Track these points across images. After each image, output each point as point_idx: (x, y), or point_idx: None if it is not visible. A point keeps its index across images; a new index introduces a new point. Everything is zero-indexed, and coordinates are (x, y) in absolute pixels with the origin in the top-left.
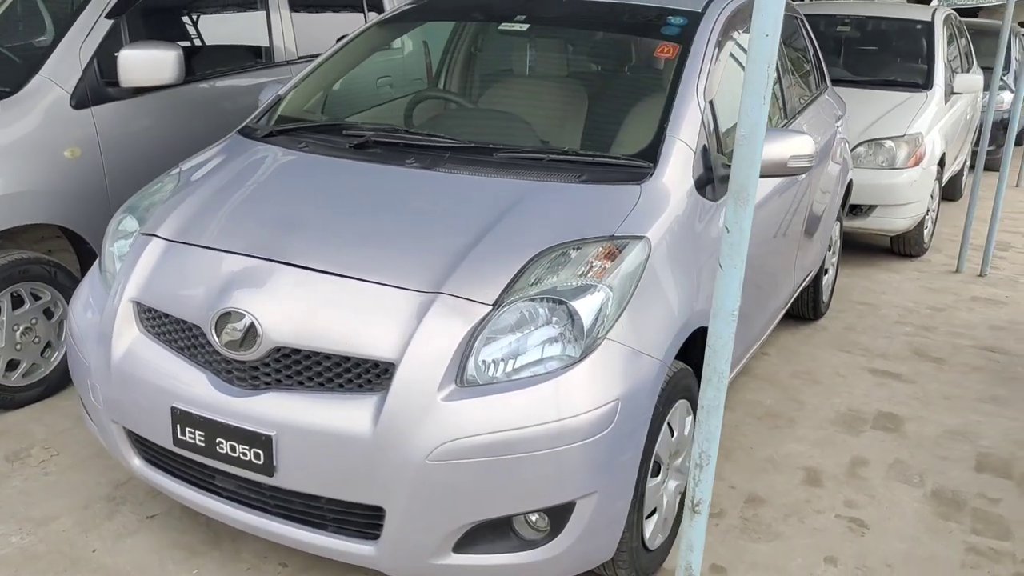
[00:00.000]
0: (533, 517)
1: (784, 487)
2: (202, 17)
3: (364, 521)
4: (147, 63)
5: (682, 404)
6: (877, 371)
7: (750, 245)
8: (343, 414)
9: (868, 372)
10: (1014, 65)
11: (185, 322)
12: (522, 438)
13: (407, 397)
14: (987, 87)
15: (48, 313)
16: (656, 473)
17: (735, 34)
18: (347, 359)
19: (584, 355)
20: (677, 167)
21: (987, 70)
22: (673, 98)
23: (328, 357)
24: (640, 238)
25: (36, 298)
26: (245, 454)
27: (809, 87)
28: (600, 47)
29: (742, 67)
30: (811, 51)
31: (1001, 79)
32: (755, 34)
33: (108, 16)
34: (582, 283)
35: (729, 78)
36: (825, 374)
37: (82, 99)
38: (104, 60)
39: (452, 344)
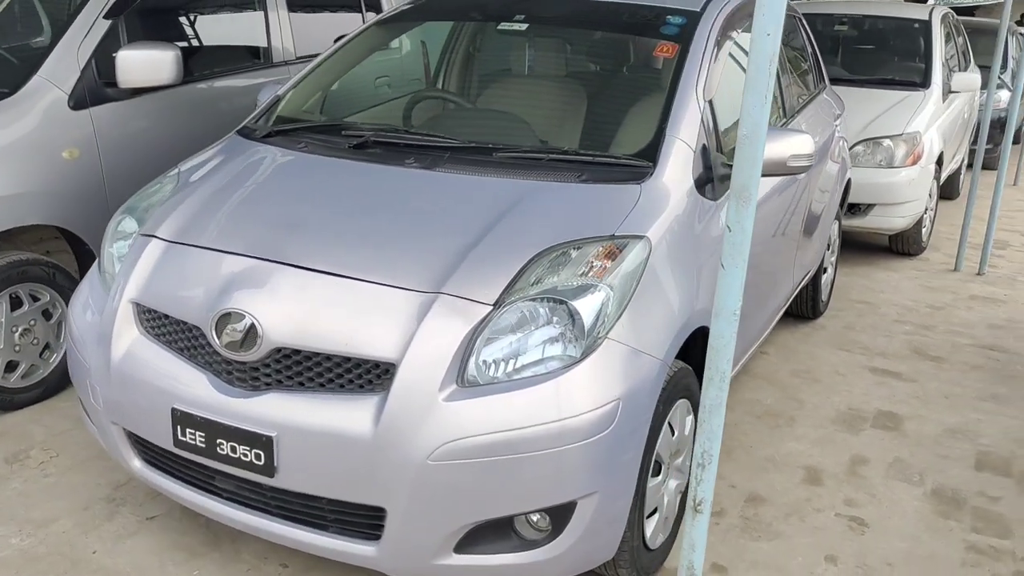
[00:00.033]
0: (534, 517)
1: (784, 486)
2: (200, 17)
3: (365, 522)
4: (145, 64)
5: (682, 403)
6: (877, 370)
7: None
8: (344, 415)
9: (868, 371)
10: (1011, 64)
11: (185, 323)
12: (523, 438)
13: (408, 397)
14: (984, 86)
15: (47, 314)
16: (657, 472)
17: (734, 33)
18: (348, 360)
19: (585, 355)
20: (677, 166)
21: (984, 69)
22: (672, 97)
23: (329, 358)
24: (640, 238)
25: (35, 299)
26: (246, 455)
27: (807, 86)
28: (599, 47)
29: (741, 66)
30: (809, 50)
31: (998, 77)
32: (756, 33)
33: (106, 16)
34: (583, 283)
35: (728, 77)
36: (824, 373)
37: (80, 100)
38: (102, 61)
39: (453, 344)
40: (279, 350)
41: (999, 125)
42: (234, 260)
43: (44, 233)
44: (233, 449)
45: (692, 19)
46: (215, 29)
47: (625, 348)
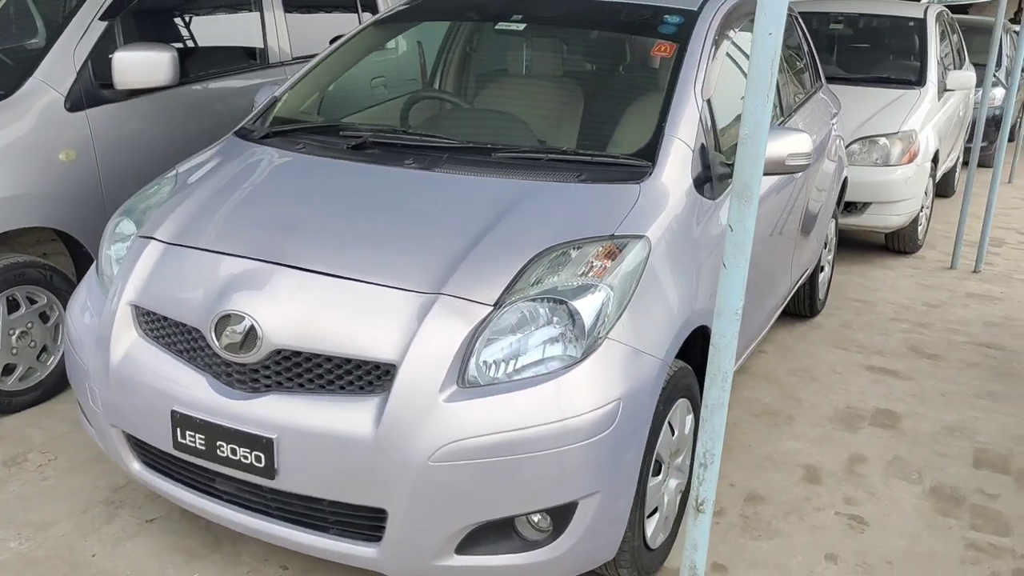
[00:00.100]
0: (535, 517)
1: (783, 485)
2: (196, 18)
3: (366, 523)
4: (142, 65)
5: (682, 403)
6: (874, 368)
7: None
8: (344, 416)
9: (865, 369)
10: (1005, 61)
11: (184, 325)
12: (524, 438)
13: (408, 398)
14: (980, 83)
15: (44, 317)
16: (657, 472)
17: (731, 32)
18: (348, 361)
19: (585, 355)
20: (676, 166)
21: (979, 67)
22: (671, 97)
23: (329, 359)
24: (640, 237)
25: (32, 302)
26: (246, 457)
27: (804, 85)
28: (597, 46)
29: (738, 65)
30: (806, 49)
31: (993, 75)
32: (758, 33)
33: (102, 18)
34: (583, 283)
35: (726, 76)
36: (822, 371)
37: (77, 101)
38: (98, 62)
39: (453, 345)
40: (279, 352)
41: (994, 123)
42: (233, 262)
43: (41, 235)
44: (233, 451)
45: (690, 18)
46: (211, 30)
47: (625, 348)
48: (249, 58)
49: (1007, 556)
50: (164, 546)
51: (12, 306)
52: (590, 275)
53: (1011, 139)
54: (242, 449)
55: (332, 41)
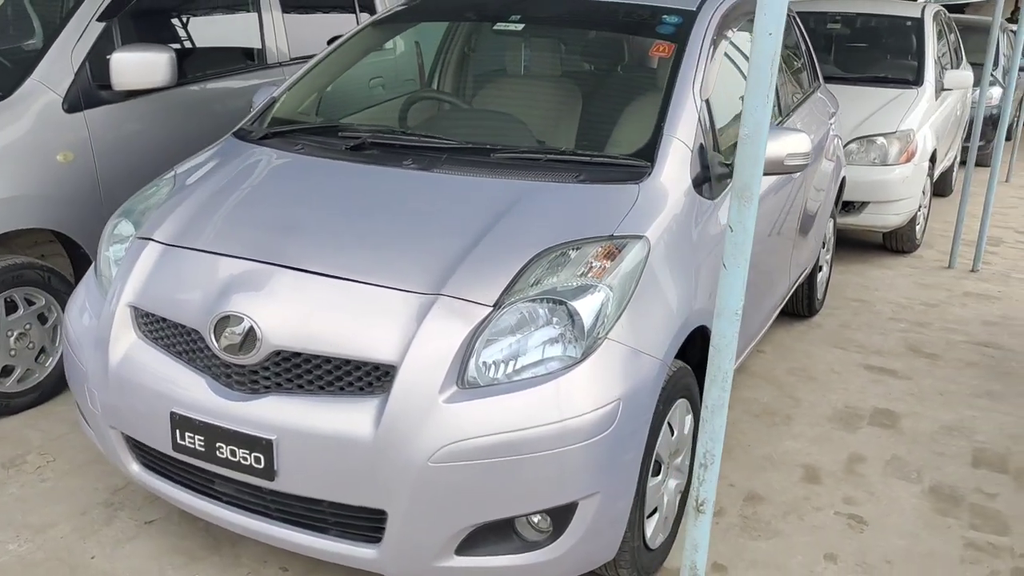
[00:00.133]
0: (535, 518)
1: (783, 484)
2: (194, 19)
3: (366, 524)
4: (139, 66)
5: (682, 403)
6: (872, 367)
7: None
8: (344, 417)
9: (863, 368)
10: (1002, 61)
11: (183, 326)
12: (524, 439)
13: (408, 399)
14: (977, 83)
15: (42, 318)
16: (657, 472)
17: (730, 32)
18: (347, 362)
19: (585, 355)
20: (675, 166)
21: (976, 66)
22: (670, 97)
23: (328, 360)
24: (639, 237)
25: (30, 303)
26: (246, 458)
27: (802, 85)
28: (596, 47)
29: (736, 65)
30: (804, 48)
31: (991, 74)
32: (758, 33)
33: (100, 19)
34: (582, 283)
35: (724, 76)
36: (821, 371)
37: (74, 103)
38: (96, 63)
39: (453, 346)
40: (278, 353)
41: (991, 122)
42: (232, 263)
43: (39, 237)
44: (233, 453)
45: (688, 18)
46: (209, 31)
47: (625, 348)
48: (247, 59)
49: (1006, 555)
50: (163, 548)
51: (10, 307)
52: (589, 275)
53: (1008, 138)
54: (241, 450)
55: (330, 42)
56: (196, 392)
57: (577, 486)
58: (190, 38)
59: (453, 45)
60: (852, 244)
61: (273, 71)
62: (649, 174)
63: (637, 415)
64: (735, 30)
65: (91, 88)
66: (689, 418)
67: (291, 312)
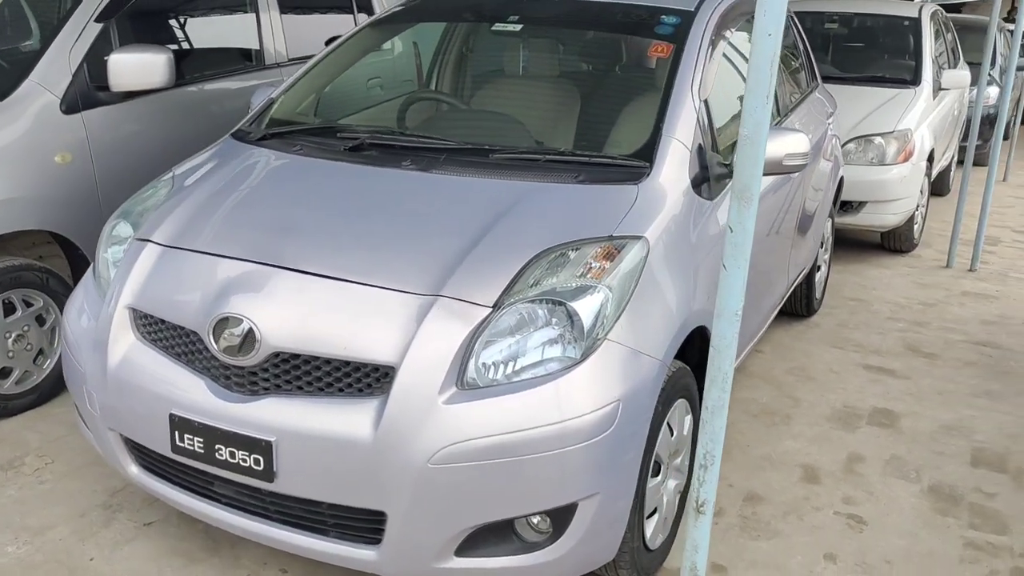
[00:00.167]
0: (535, 519)
1: (782, 485)
2: (192, 20)
3: (366, 526)
4: (137, 67)
5: (681, 403)
6: (871, 367)
7: None
8: (343, 418)
9: (862, 368)
10: (999, 60)
11: (182, 328)
12: (524, 440)
13: (408, 401)
14: (974, 82)
15: (40, 320)
16: (656, 473)
17: (728, 32)
18: (347, 363)
19: (584, 356)
20: (673, 166)
21: (973, 65)
22: (668, 97)
23: (328, 361)
24: (638, 238)
25: (28, 305)
26: (245, 460)
27: (800, 85)
28: (594, 47)
29: (735, 65)
30: (801, 48)
31: (988, 74)
32: (758, 34)
33: (98, 20)
34: (581, 284)
35: (722, 76)
36: (819, 371)
37: (72, 104)
38: (94, 64)
39: (452, 347)
40: (277, 354)
41: (989, 121)
42: (231, 264)
43: (37, 238)
44: (232, 454)
45: (686, 18)
46: (207, 31)
47: (624, 349)
48: (245, 59)
49: (1005, 555)
50: (162, 550)
51: (8, 309)
52: (589, 276)
53: (1006, 137)
54: (241, 452)
55: (328, 42)
56: (195, 394)
57: (577, 487)
58: (188, 39)
59: (451, 46)
60: (850, 244)
61: (271, 72)
62: (648, 174)
63: (637, 416)
64: (733, 30)
65: (89, 89)
66: (688, 418)
67: (290, 313)
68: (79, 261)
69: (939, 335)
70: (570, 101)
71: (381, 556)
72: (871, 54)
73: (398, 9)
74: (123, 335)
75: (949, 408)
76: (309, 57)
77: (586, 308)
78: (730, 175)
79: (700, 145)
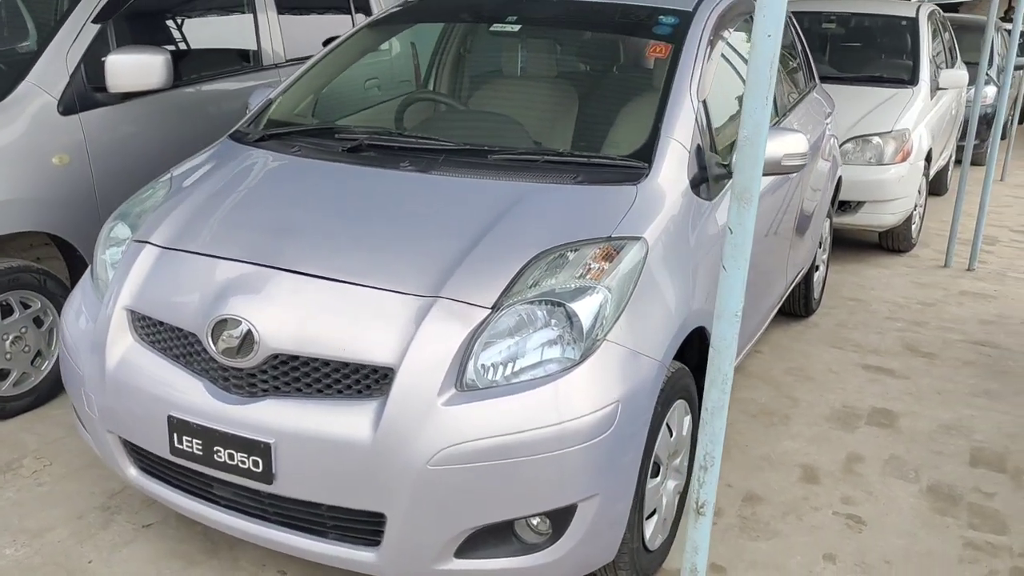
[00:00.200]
0: (535, 521)
1: (781, 485)
2: (189, 21)
3: (365, 527)
4: (135, 68)
5: (680, 404)
6: (870, 367)
7: None
8: (342, 420)
9: (861, 368)
10: (997, 60)
11: (180, 330)
12: (523, 442)
13: (407, 402)
14: (972, 82)
15: (38, 322)
16: (655, 474)
17: (726, 33)
18: (346, 365)
19: (584, 357)
20: (672, 167)
21: (970, 65)
22: (667, 98)
23: (327, 363)
24: (637, 239)
25: (25, 307)
26: (244, 462)
27: (798, 85)
28: (592, 48)
29: (733, 66)
30: (799, 48)
31: (985, 74)
32: (757, 35)
33: (95, 21)
34: (580, 285)
35: (721, 76)
36: (818, 371)
37: (70, 105)
38: (91, 65)
39: (451, 348)
40: (276, 356)
41: (986, 121)
42: (229, 266)
43: (34, 240)
44: (231, 456)
45: (685, 19)
46: (204, 32)
47: (624, 350)
48: (243, 60)
49: (1004, 555)
50: (161, 552)
51: (6, 311)
52: (588, 277)
53: (1003, 137)
54: (239, 454)
55: (326, 43)
56: (194, 396)
57: (576, 488)
58: (185, 40)
59: (449, 46)
60: (848, 243)
61: (269, 72)
62: (647, 175)
63: (636, 417)
64: (732, 30)
65: (86, 90)
66: (687, 419)
67: (289, 315)
68: (77, 263)
69: (937, 335)
70: (569, 102)
71: (380, 558)
72: (869, 54)
73: (396, 10)
74: (121, 337)
75: (948, 408)
76: (307, 58)
77: (585, 309)
78: (729, 175)
79: (699, 145)
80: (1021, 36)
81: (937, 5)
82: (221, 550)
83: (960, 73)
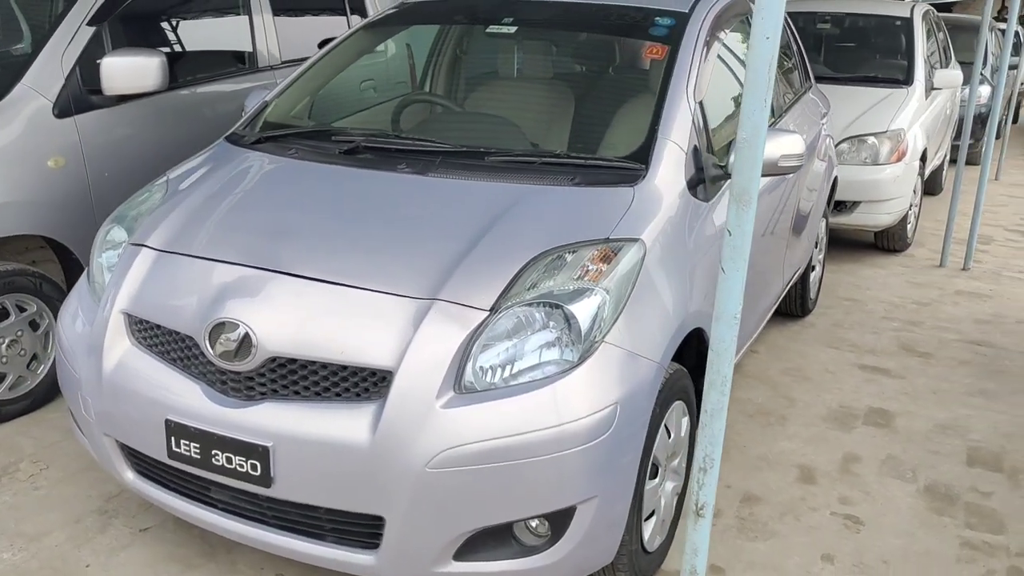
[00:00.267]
0: (534, 523)
1: (778, 485)
2: (185, 23)
3: (363, 530)
4: (130, 70)
5: (678, 405)
6: (866, 367)
7: None
8: (341, 423)
9: (857, 368)
10: (991, 59)
11: (178, 333)
12: (522, 444)
13: (405, 405)
14: (966, 81)
15: (34, 325)
16: (654, 475)
17: (722, 33)
18: (344, 368)
19: (582, 359)
20: (669, 168)
21: (964, 65)
22: (663, 99)
23: (324, 366)
24: (635, 240)
25: (21, 310)
26: (242, 465)
27: (794, 85)
28: (589, 49)
29: (729, 67)
30: (795, 49)
31: (980, 73)
32: (755, 36)
33: (90, 23)
34: (578, 286)
35: (717, 77)
36: (815, 371)
37: (65, 108)
38: (86, 68)
39: (450, 351)
40: (274, 359)
41: (981, 121)
42: (226, 269)
43: (30, 243)
44: (228, 460)
45: (681, 20)
46: (200, 34)
47: (622, 352)
48: (238, 62)
49: (1002, 554)
50: (159, 555)
51: (1, 314)
52: (585, 279)
53: (998, 136)
54: (237, 457)
55: (321, 45)
56: (191, 399)
57: (575, 490)
58: (181, 42)
59: (445, 48)
60: (844, 243)
61: (264, 74)
62: (644, 176)
63: (634, 418)
64: (728, 31)
65: (82, 93)
66: (685, 420)
67: (286, 318)
68: (72, 265)
69: (933, 334)
70: (565, 103)
71: (379, 561)
72: (863, 54)
73: (392, 11)
74: (118, 340)
75: (944, 407)
76: (302, 60)
77: (583, 311)
78: (726, 176)
79: (695, 147)
80: (1015, 36)
81: (931, 5)
82: (219, 554)
83: (954, 73)
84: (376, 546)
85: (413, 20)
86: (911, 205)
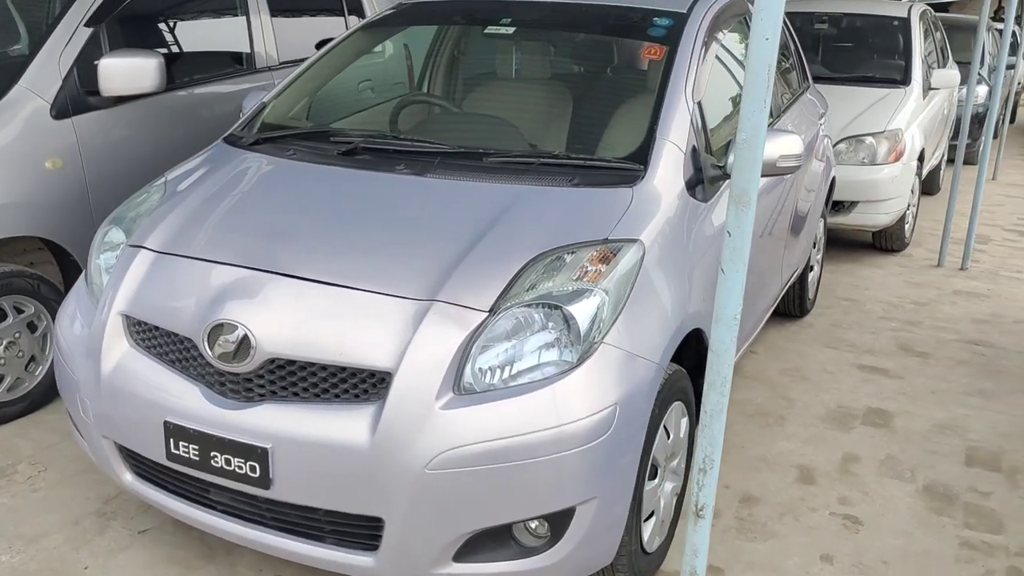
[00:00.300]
0: (533, 524)
1: (778, 485)
2: (182, 24)
3: (363, 532)
4: (128, 71)
5: (677, 406)
6: (864, 367)
7: None
8: (340, 425)
9: (855, 368)
10: (988, 59)
11: (176, 335)
12: (521, 445)
13: (404, 406)
14: (963, 81)
15: (31, 327)
16: (653, 476)
17: (720, 34)
18: (343, 369)
19: (581, 360)
20: (668, 169)
21: (961, 64)
22: (662, 99)
23: (323, 367)
24: (634, 241)
25: (19, 312)
26: (241, 467)
27: (792, 86)
28: (587, 50)
29: (727, 67)
30: (793, 49)
31: (977, 73)
32: (755, 38)
33: (87, 24)
34: (577, 287)
35: (716, 78)
36: (813, 371)
37: (62, 109)
38: (84, 69)
39: (449, 352)
40: (273, 360)
41: (978, 120)
42: (225, 270)
43: (27, 244)
44: (228, 462)
45: (679, 20)
46: (197, 35)
47: (621, 352)
48: (236, 63)
49: (1001, 554)
50: (158, 557)
51: None
52: (584, 280)
53: (995, 136)
54: (236, 459)
55: (319, 45)
56: (190, 401)
57: (574, 491)
58: (178, 43)
59: (443, 49)
60: (842, 243)
61: (262, 75)
62: (642, 177)
63: (633, 419)
64: (726, 31)
65: (79, 94)
66: (685, 421)
67: (285, 319)
68: (70, 267)
69: (931, 334)
70: (564, 104)
71: (379, 562)
72: (861, 54)
73: (390, 12)
74: (117, 342)
75: (942, 407)
76: (300, 60)
77: (582, 312)
78: (724, 177)
79: (694, 147)
80: (1012, 35)
81: (928, 5)
82: (218, 555)
83: (952, 73)
84: (375, 548)
85: (411, 21)
86: (909, 205)
